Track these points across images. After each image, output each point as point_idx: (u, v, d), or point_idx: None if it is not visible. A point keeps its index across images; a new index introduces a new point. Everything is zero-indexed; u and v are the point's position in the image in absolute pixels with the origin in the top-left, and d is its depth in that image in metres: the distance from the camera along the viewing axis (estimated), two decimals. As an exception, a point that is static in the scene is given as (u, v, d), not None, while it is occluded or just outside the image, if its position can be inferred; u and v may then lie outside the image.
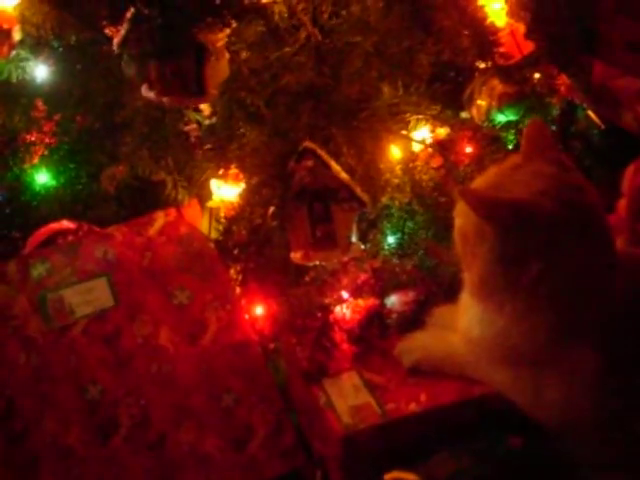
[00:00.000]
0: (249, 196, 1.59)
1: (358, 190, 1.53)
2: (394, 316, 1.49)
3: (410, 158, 1.66)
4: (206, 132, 1.69)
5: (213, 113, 1.68)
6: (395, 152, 1.69)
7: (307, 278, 1.52)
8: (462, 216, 1.28)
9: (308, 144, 1.54)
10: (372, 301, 1.48)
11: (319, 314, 1.44)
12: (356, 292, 1.49)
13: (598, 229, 1.25)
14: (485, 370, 1.34)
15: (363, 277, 1.53)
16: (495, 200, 1.21)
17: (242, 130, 1.60)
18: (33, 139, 1.88)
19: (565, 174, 1.25)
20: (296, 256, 1.57)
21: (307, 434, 1.47)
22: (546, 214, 1.18)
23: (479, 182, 1.30)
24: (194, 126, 1.73)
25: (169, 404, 1.45)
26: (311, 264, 1.57)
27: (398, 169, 1.62)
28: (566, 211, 1.19)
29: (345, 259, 1.55)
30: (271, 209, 1.54)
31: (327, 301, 1.46)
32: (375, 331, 1.47)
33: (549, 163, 1.25)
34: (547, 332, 1.23)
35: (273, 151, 1.53)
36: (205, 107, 1.70)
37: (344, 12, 1.55)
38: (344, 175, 1.54)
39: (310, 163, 1.52)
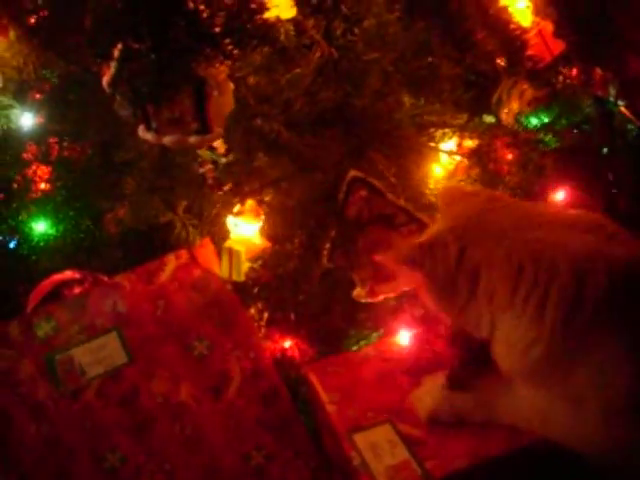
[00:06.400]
0: (280, 237, 1.50)
1: (416, 211, 1.48)
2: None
3: (449, 174, 1.62)
4: (223, 171, 1.58)
5: (228, 150, 1.58)
6: (434, 169, 1.65)
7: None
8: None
9: (355, 173, 1.48)
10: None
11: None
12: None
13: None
14: (518, 401, 1.24)
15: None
16: (411, 245, 1.26)
17: (260, 163, 1.50)
18: (27, 185, 1.82)
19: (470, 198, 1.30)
20: (360, 294, 1.50)
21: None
22: (453, 231, 1.22)
23: None
24: (210, 167, 1.63)
25: (196, 467, 1.37)
26: (377, 300, 1.50)
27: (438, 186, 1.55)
28: (472, 222, 1.23)
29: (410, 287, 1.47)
30: (326, 247, 1.47)
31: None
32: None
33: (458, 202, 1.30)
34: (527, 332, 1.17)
35: (305, 186, 1.44)
36: (219, 144, 1.59)
37: (357, 29, 1.44)
38: (399, 199, 1.48)
39: (364, 193, 1.47)
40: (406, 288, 1.48)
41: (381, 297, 1.51)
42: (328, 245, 1.49)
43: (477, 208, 1.26)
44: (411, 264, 1.26)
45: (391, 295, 1.50)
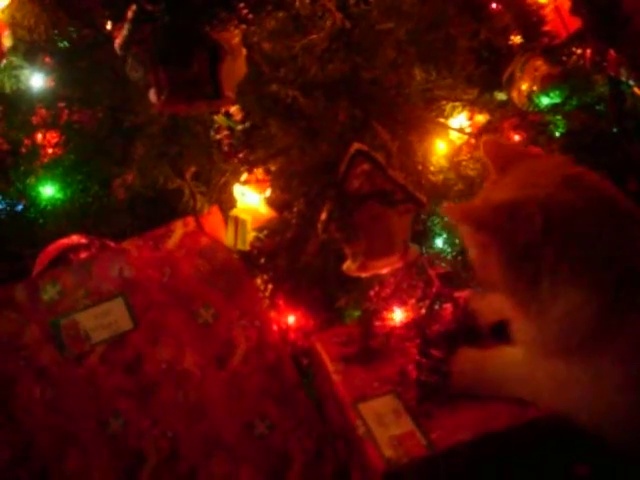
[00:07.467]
0: (281, 205, 1.48)
1: (414, 190, 1.44)
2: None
3: (454, 152, 1.57)
4: (240, 139, 1.56)
5: (246, 116, 1.55)
6: (438, 146, 1.61)
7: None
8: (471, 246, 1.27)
9: (359, 146, 1.44)
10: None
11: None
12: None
13: (600, 195, 1.20)
14: (542, 376, 1.22)
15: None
16: (485, 207, 1.20)
17: (272, 132, 1.48)
18: (36, 149, 1.80)
19: (541, 161, 1.26)
20: (351, 268, 1.47)
21: (345, 461, 1.36)
22: (538, 201, 1.16)
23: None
24: (226, 133, 1.60)
25: (198, 434, 1.36)
26: (366, 275, 1.47)
27: (443, 163, 1.53)
28: (558, 191, 1.17)
29: (401, 265, 1.45)
30: (322, 218, 1.43)
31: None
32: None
33: (520, 161, 1.25)
34: (593, 309, 1.15)
35: (309, 155, 1.41)
36: (236, 111, 1.57)
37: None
38: (400, 176, 1.44)
39: (366, 167, 1.42)
40: (397, 265, 1.46)
41: (371, 272, 1.47)
42: (324, 216, 1.45)
43: (554, 180, 1.19)
44: (478, 226, 1.20)
45: (382, 272, 1.47)
